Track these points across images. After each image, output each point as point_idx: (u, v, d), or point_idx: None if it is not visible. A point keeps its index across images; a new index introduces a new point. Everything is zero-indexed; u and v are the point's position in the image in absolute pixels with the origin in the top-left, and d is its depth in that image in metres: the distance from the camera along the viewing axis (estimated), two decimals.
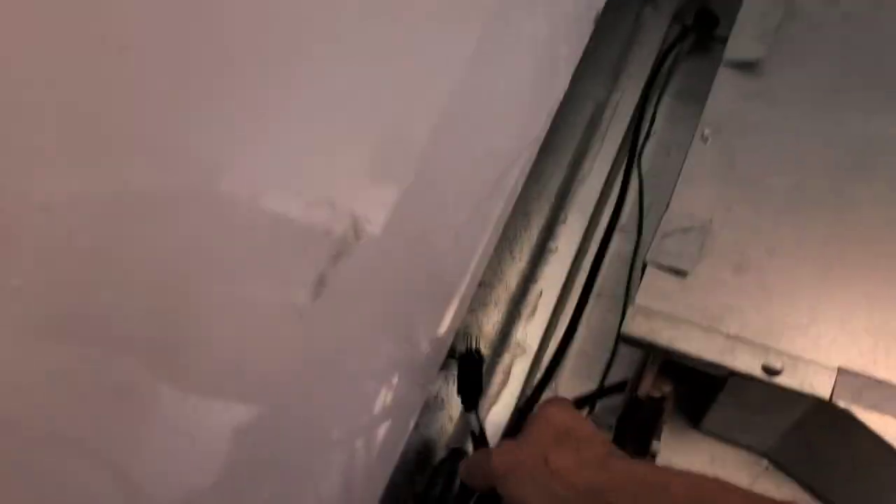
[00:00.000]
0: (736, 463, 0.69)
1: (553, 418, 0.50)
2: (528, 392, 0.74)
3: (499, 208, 0.61)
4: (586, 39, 0.73)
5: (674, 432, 0.71)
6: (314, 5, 0.36)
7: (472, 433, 0.62)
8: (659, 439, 0.63)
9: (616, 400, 0.70)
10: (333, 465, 0.49)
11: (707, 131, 0.68)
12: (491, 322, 0.71)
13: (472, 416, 0.63)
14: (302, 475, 0.46)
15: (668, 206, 0.65)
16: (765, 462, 0.69)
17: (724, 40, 0.73)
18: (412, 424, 0.58)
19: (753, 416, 0.62)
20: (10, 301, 0.26)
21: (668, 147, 0.87)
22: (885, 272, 0.60)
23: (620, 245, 0.82)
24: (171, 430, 0.35)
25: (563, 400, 0.59)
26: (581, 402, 0.70)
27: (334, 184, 0.39)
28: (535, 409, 0.57)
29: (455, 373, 0.64)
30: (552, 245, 0.82)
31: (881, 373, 0.55)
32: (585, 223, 0.84)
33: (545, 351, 0.78)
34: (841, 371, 0.55)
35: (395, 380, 0.53)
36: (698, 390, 0.66)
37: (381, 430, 0.53)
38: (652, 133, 0.88)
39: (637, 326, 0.59)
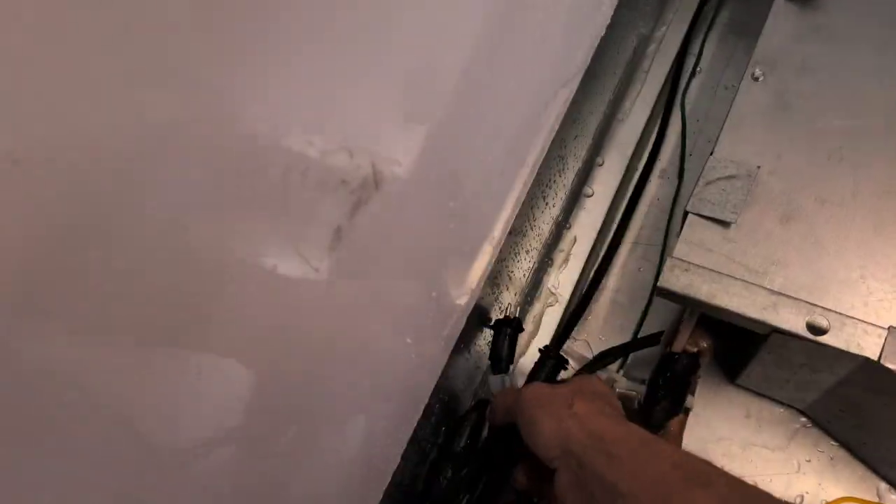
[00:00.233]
0: (772, 419, 0.67)
1: (588, 382, 0.53)
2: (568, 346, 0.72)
3: (534, 150, 0.58)
4: None
5: (709, 386, 0.68)
6: None
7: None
8: (693, 394, 0.61)
9: (649, 353, 0.68)
10: (355, 417, 0.48)
11: (759, 70, 0.64)
12: (522, 269, 0.69)
13: (501, 378, 0.61)
14: (323, 426, 0.45)
15: (712, 151, 0.61)
16: (803, 418, 0.66)
17: None
18: (437, 375, 0.56)
19: (794, 374, 0.60)
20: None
21: (715, 87, 0.82)
22: None
23: (660, 191, 0.79)
24: (183, 387, 0.34)
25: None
26: (613, 354, 0.68)
27: (353, 127, 0.36)
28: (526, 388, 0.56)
29: (490, 337, 0.63)
30: (588, 189, 0.79)
31: None
32: (624, 167, 0.80)
33: (577, 300, 0.76)
34: (892, 330, 0.52)
35: (419, 330, 0.51)
36: (737, 344, 0.63)
37: (405, 381, 0.52)
38: (697, 71, 0.82)
39: (675, 279, 0.56)
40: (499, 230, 0.53)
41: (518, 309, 0.71)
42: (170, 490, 0.35)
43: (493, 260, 0.53)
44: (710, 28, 0.84)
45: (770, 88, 0.63)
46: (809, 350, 0.54)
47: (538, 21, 0.58)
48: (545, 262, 0.75)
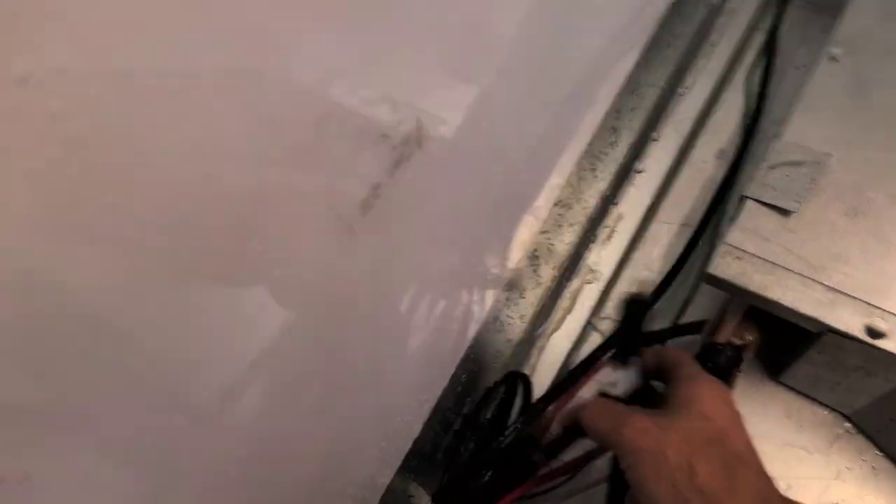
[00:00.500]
0: (814, 421, 0.64)
1: (710, 411, 0.44)
2: (594, 323, 0.70)
3: (587, 120, 0.55)
4: None
5: (750, 381, 0.65)
6: None
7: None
8: (733, 388, 0.58)
9: (690, 340, 0.65)
10: (378, 380, 0.46)
11: (837, 51, 0.59)
12: (564, 243, 0.66)
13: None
14: (345, 388, 0.44)
15: (779, 133, 0.57)
16: (847, 424, 0.63)
17: None
18: (466, 345, 0.54)
19: (845, 377, 0.56)
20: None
21: (786, 66, 0.77)
22: None
23: (716, 172, 0.75)
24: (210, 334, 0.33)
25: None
26: (652, 339, 0.65)
27: (398, 78, 0.34)
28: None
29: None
30: (639, 165, 0.75)
31: None
32: (680, 143, 0.76)
33: (618, 278, 0.73)
34: None
35: (451, 298, 0.49)
36: (784, 340, 0.60)
37: (432, 349, 0.50)
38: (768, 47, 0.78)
39: (726, 267, 0.53)
40: (543, 200, 0.50)
41: (554, 280, 0.69)
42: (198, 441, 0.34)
43: (537, 231, 0.50)
44: (786, 2, 0.79)
45: (848, 71, 0.58)
46: (865, 353, 0.50)
47: None
48: (588, 238, 0.72)
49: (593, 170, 0.65)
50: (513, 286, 0.59)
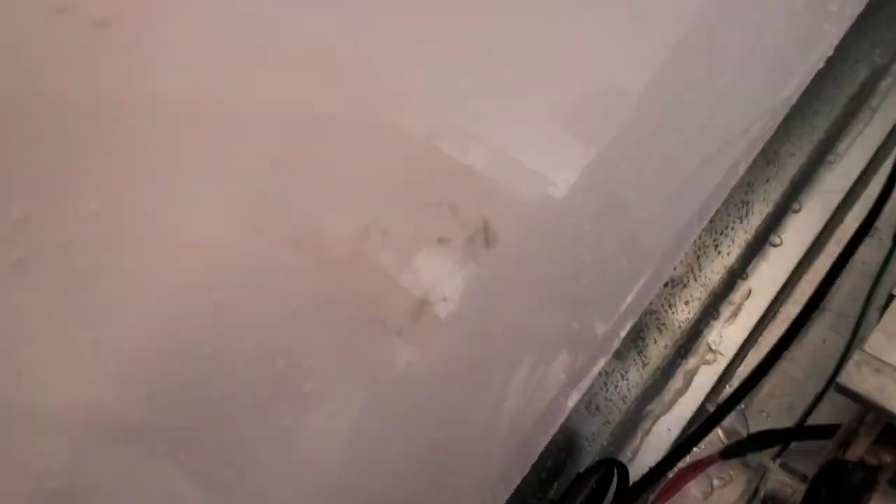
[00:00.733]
0: None
1: None
2: (710, 408, 0.64)
3: (707, 199, 0.50)
4: None
5: (889, 501, 0.57)
6: None
7: None
8: None
9: (816, 445, 0.58)
10: (469, 454, 0.44)
11: None
12: (678, 320, 0.61)
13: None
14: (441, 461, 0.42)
15: None
16: None
17: None
18: (558, 425, 0.50)
19: None
20: None
21: None
22: None
23: (867, 253, 0.66)
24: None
25: None
26: (773, 438, 0.58)
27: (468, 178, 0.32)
28: None
29: None
30: (775, 238, 0.68)
31: None
32: (826, 217, 0.68)
33: (740, 362, 0.67)
34: None
35: (545, 375, 0.46)
36: None
37: (520, 428, 0.47)
38: None
39: (861, 379, 0.46)
40: (641, 291, 0.46)
41: (665, 360, 0.63)
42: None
43: (635, 319, 0.46)
44: None
45: None
46: None
47: (739, 45, 0.50)
48: (709, 314, 0.66)
49: (717, 246, 0.60)
50: (613, 369, 0.54)
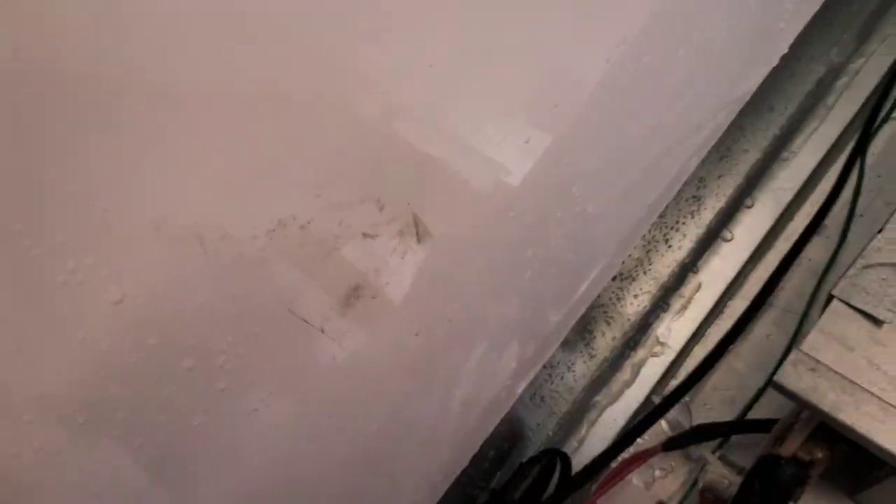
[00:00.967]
0: None
1: None
2: (655, 400, 0.64)
3: (655, 196, 0.50)
4: None
5: (824, 494, 0.58)
6: None
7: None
8: None
9: (756, 438, 0.59)
10: (406, 447, 0.44)
11: None
12: (627, 314, 0.61)
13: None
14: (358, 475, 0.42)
15: (882, 227, 0.50)
16: None
17: None
18: (499, 418, 0.51)
19: None
20: None
21: None
22: None
23: (814, 250, 0.67)
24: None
25: None
26: (714, 432, 0.59)
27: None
28: None
29: None
30: (727, 233, 0.69)
31: None
32: (777, 213, 0.69)
33: (687, 354, 0.67)
34: None
35: (485, 368, 0.46)
36: (864, 456, 0.53)
37: (464, 417, 0.47)
38: (892, 117, 0.69)
39: (797, 378, 0.46)
40: (588, 285, 0.46)
41: (613, 352, 0.64)
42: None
43: (578, 315, 0.46)
44: None
45: None
46: None
47: (694, 40, 0.50)
48: (659, 307, 0.67)
49: (667, 240, 0.60)
50: (559, 361, 0.55)
